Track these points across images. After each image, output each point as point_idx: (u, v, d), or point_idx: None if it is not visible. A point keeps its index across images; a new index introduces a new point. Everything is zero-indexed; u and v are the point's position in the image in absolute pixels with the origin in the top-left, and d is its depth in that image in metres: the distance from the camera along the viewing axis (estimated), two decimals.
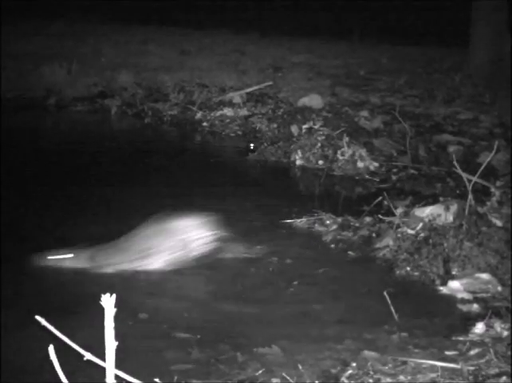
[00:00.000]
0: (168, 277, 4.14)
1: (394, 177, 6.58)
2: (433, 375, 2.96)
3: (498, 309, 3.71)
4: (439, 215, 4.79)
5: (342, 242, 4.84)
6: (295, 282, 4.15)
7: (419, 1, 16.77)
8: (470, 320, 3.65)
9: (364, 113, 8.54)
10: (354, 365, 3.08)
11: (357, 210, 5.38)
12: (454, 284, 4.11)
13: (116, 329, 1.74)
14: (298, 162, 7.01)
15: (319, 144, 7.08)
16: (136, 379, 2.00)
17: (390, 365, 3.07)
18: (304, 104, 8.86)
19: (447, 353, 3.21)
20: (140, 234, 4.27)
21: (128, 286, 3.96)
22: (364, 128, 8.02)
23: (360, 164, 6.75)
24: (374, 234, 4.89)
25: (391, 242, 4.64)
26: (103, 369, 1.80)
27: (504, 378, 2.88)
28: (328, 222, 5.12)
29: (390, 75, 11.38)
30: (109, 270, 4.13)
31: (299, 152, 7.05)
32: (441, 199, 5.16)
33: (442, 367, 3.01)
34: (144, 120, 8.89)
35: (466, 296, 3.98)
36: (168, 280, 4.11)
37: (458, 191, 5.83)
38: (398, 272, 4.32)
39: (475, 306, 3.86)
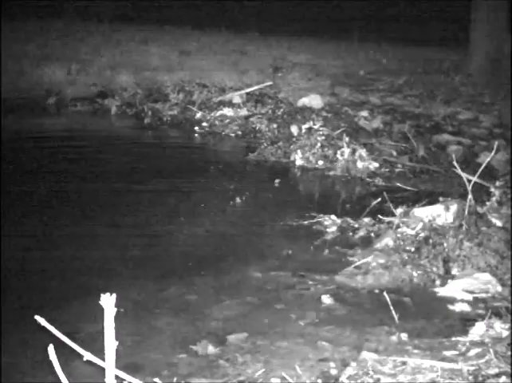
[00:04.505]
0: None
1: (394, 177, 6.58)
2: (433, 375, 2.96)
3: (498, 309, 3.71)
4: (439, 215, 4.79)
5: (342, 242, 4.84)
6: (294, 283, 4.15)
7: (419, 1, 16.76)
8: (469, 320, 3.65)
9: (364, 113, 8.54)
10: (354, 365, 3.09)
11: (357, 210, 5.38)
12: (453, 284, 4.11)
13: None
14: (298, 162, 7.00)
15: (319, 144, 7.08)
16: (136, 379, 2.00)
17: (390, 366, 3.07)
18: (304, 104, 8.86)
19: (447, 353, 3.21)
20: None
21: None
22: (364, 128, 8.02)
23: (360, 164, 6.75)
24: (373, 235, 4.89)
25: (391, 243, 4.64)
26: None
27: (504, 378, 2.88)
28: (327, 222, 5.12)
29: (390, 75, 11.38)
30: None
31: (299, 152, 7.05)
32: (441, 199, 5.16)
33: (441, 367, 3.01)
34: (144, 120, 8.88)
35: (466, 296, 3.98)
36: None
37: (458, 191, 5.82)
38: (398, 272, 4.31)
39: (475, 306, 3.85)
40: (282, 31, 15.19)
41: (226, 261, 4.45)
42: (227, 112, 8.87)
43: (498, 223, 4.67)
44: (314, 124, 7.46)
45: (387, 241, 4.66)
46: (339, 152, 6.89)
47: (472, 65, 11.16)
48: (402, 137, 7.56)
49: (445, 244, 4.41)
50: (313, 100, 8.93)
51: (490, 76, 10.66)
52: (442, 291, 4.08)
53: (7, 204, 5.28)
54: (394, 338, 3.42)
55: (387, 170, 6.79)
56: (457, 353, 3.21)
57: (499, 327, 3.45)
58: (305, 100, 8.95)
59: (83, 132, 8.35)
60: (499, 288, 4.06)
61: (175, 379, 2.98)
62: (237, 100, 9.30)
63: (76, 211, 5.34)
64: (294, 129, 7.65)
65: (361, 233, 4.96)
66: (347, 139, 6.99)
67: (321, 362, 3.17)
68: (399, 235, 4.69)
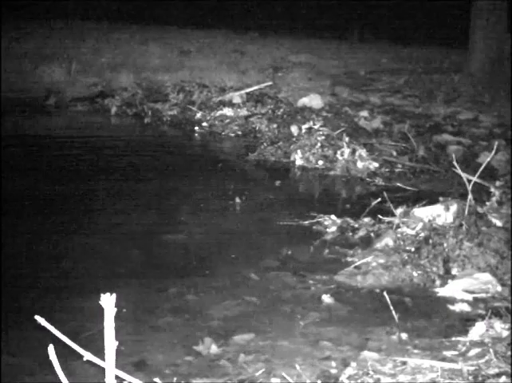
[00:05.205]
0: None
1: (394, 177, 6.58)
2: (433, 375, 2.96)
3: (498, 309, 3.71)
4: (439, 215, 4.79)
5: (342, 242, 4.84)
6: (294, 283, 4.15)
7: (419, 1, 16.75)
8: (469, 320, 3.65)
9: (364, 113, 8.54)
10: (354, 365, 3.09)
11: (357, 210, 5.38)
12: (453, 284, 4.11)
13: None
14: (298, 162, 7.00)
15: (319, 144, 7.08)
16: (136, 379, 2.00)
17: (390, 366, 3.08)
18: (304, 104, 8.85)
19: (447, 353, 3.22)
20: None
21: None
22: (364, 128, 8.02)
23: (359, 164, 6.75)
24: (373, 235, 4.89)
25: (391, 243, 4.64)
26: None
27: (504, 378, 2.88)
28: (327, 222, 5.12)
29: (390, 75, 11.38)
30: None
31: (299, 152, 7.05)
32: (441, 199, 5.16)
33: (441, 367, 3.02)
34: (144, 120, 8.88)
35: (466, 296, 3.98)
36: None
37: (458, 191, 5.82)
38: (398, 272, 4.31)
39: (475, 307, 3.85)
40: (282, 31, 15.20)
41: (226, 261, 4.45)
42: (227, 112, 8.87)
43: (498, 223, 4.67)
44: (314, 124, 7.45)
45: (387, 241, 4.66)
46: (339, 152, 6.89)
47: (472, 65, 11.15)
48: (402, 137, 7.56)
49: (445, 244, 4.40)
50: (313, 100, 8.92)
51: (490, 76, 10.66)
52: (442, 291, 4.08)
53: (7, 204, 5.28)
54: (394, 338, 3.42)
55: (387, 170, 6.79)
56: (457, 353, 3.22)
57: (499, 327, 3.45)
58: (305, 100, 8.95)
59: (83, 132, 8.35)
60: (499, 288, 4.06)
61: (175, 379, 2.98)
62: (237, 100, 9.29)
63: (76, 211, 5.34)
64: (294, 129, 7.64)
65: (361, 233, 4.95)
66: (347, 139, 6.99)
67: (322, 361, 3.18)
68: (399, 235, 4.69)
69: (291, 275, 4.24)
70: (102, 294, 1.72)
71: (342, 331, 3.51)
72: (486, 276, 4.14)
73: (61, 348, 1.85)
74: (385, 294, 3.76)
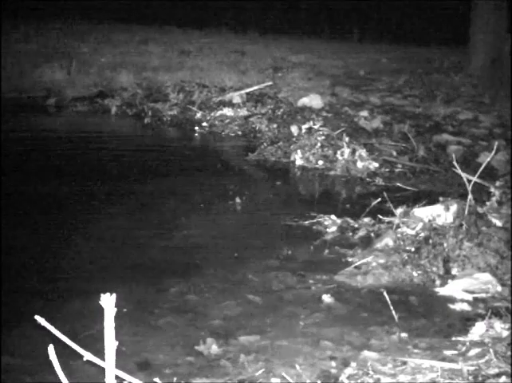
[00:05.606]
0: None
1: (394, 177, 6.59)
2: (433, 375, 2.96)
3: (498, 309, 3.71)
4: (439, 215, 4.79)
5: (342, 242, 4.84)
6: (294, 283, 4.15)
7: (419, 1, 16.77)
8: (469, 320, 3.65)
9: (364, 113, 8.55)
10: (354, 365, 3.09)
11: (357, 210, 5.38)
12: (453, 284, 4.11)
13: None
14: (298, 162, 7.01)
15: (319, 144, 7.08)
16: (136, 379, 2.01)
17: (390, 366, 3.08)
18: (304, 104, 8.86)
19: (447, 353, 3.22)
20: None
21: None
22: (364, 128, 8.03)
23: (359, 164, 6.75)
24: (373, 235, 4.89)
25: (391, 243, 4.64)
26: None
27: (504, 378, 2.88)
28: (327, 222, 5.12)
29: (390, 75, 11.39)
30: None
31: (299, 152, 7.05)
32: (441, 199, 5.16)
33: (441, 367, 3.02)
34: (144, 120, 8.88)
35: (466, 296, 3.98)
36: None
37: (458, 191, 5.82)
38: (398, 272, 4.31)
39: (475, 306, 3.86)
40: (282, 31, 15.21)
41: (226, 261, 4.45)
42: (227, 112, 8.88)
43: (498, 223, 4.67)
44: (314, 124, 7.46)
45: (387, 241, 4.66)
46: (339, 152, 6.89)
47: (472, 65, 11.16)
48: (402, 137, 7.57)
49: (445, 244, 4.41)
50: (313, 100, 8.93)
51: (490, 77, 10.67)
52: (442, 291, 4.08)
53: (6, 204, 5.28)
54: (394, 338, 3.42)
55: (387, 170, 6.80)
56: (457, 353, 3.22)
57: (499, 327, 3.45)
58: (305, 100, 8.95)
59: (82, 133, 8.35)
60: (499, 288, 4.06)
61: (175, 379, 2.98)
62: (237, 100, 9.30)
63: (76, 211, 5.34)
64: (294, 129, 7.65)
65: (361, 233, 4.96)
66: (347, 139, 6.99)
67: (322, 361, 3.18)
68: (399, 235, 4.69)
69: (291, 275, 4.23)
70: (102, 294, 1.72)
71: (342, 331, 3.51)
72: (486, 276, 4.14)
73: (61, 348, 1.85)
74: (385, 293, 3.76)
